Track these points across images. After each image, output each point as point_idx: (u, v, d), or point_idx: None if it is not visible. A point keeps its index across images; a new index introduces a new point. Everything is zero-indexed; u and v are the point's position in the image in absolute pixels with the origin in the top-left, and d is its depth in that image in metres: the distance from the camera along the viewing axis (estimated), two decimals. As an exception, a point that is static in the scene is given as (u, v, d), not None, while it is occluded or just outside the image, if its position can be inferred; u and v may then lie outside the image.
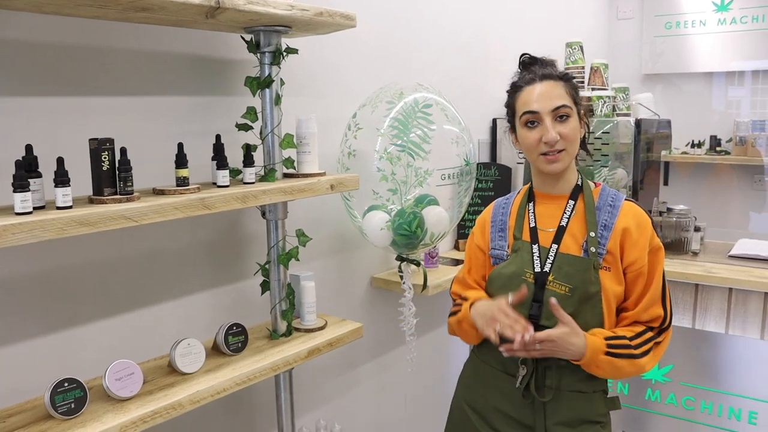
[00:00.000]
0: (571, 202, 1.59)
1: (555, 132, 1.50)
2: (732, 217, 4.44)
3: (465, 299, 1.67)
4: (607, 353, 1.47)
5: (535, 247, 1.58)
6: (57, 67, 1.48)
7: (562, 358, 1.51)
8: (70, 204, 1.27)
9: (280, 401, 1.89)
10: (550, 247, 1.56)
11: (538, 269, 1.55)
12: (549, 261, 1.55)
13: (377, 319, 2.49)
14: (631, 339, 1.51)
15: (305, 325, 1.89)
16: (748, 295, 2.52)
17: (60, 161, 1.28)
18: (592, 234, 1.53)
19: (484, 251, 1.70)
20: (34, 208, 1.24)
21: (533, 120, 1.53)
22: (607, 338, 1.49)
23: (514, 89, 1.59)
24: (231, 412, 1.97)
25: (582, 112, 1.58)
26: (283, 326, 1.83)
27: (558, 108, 1.51)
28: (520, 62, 1.64)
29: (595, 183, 1.64)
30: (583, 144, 1.64)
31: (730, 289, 2.56)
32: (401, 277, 2.22)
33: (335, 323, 1.95)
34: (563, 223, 1.58)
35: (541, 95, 1.52)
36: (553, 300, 1.46)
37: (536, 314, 1.53)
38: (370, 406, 2.56)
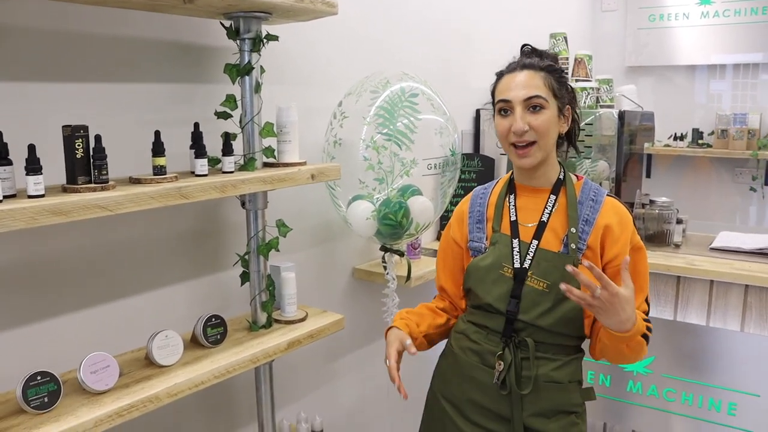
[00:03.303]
0: (553, 197, 1.58)
1: (524, 122, 1.49)
2: (713, 209, 4.48)
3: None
4: (644, 335, 1.45)
5: (516, 242, 1.56)
6: (29, 51, 1.44)
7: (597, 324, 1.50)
8: (43, 193, 1.24)
9: (260, 394, 1.87)
10: (531, 242, 1.55)
11: (517, 265, 1.54)
12: (529, 257, 1.54)
13: (359, 310, 2.47)
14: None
15: (286, 317, 1.87)
16: (729, 287, 2.54)
17: (31, 148, 1.25)
18: (573, 230, 1.52)
19: (459, 245, 1.68)
20: (4, 197, 1.21)
21: (506, 108, 1.53)
22: (645, 319, 1.48)
23: (498, 76, 1.59)
24: (210, 405, 1.95)
25: (567, 107, 1.56)
26: (263, 318, 1.81)
27: (530, 98, 1.49)
28: (521, 52, 1.62)
29: (577, 176, 1.63)
30: (570, 139, 1.63)
31: (712, 282, 2.57)
32: (385, 268, 2.21)
33: (316, 315, 1.93)
34: (544, 219, 1.56)
35: (517, 84, 1.51)
36: (570, 267, 1.35)
37: (514, 310, 1.52)
38: (352, 397, 2.54)
